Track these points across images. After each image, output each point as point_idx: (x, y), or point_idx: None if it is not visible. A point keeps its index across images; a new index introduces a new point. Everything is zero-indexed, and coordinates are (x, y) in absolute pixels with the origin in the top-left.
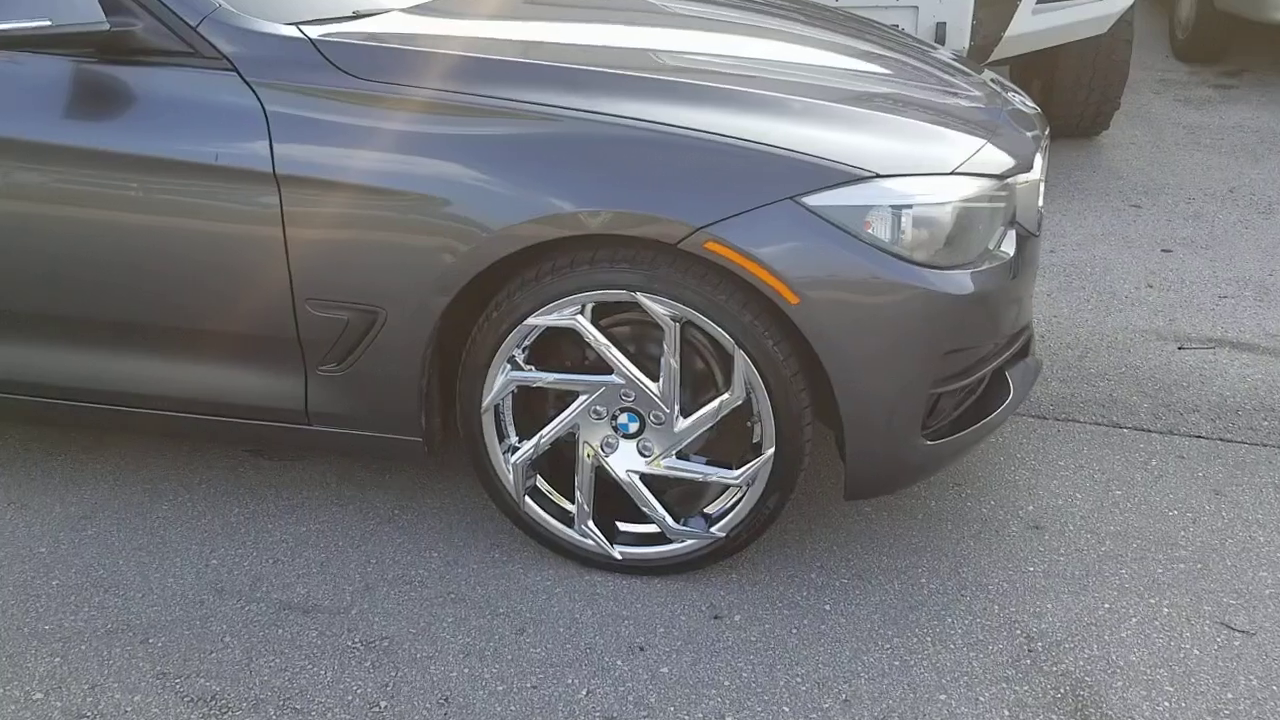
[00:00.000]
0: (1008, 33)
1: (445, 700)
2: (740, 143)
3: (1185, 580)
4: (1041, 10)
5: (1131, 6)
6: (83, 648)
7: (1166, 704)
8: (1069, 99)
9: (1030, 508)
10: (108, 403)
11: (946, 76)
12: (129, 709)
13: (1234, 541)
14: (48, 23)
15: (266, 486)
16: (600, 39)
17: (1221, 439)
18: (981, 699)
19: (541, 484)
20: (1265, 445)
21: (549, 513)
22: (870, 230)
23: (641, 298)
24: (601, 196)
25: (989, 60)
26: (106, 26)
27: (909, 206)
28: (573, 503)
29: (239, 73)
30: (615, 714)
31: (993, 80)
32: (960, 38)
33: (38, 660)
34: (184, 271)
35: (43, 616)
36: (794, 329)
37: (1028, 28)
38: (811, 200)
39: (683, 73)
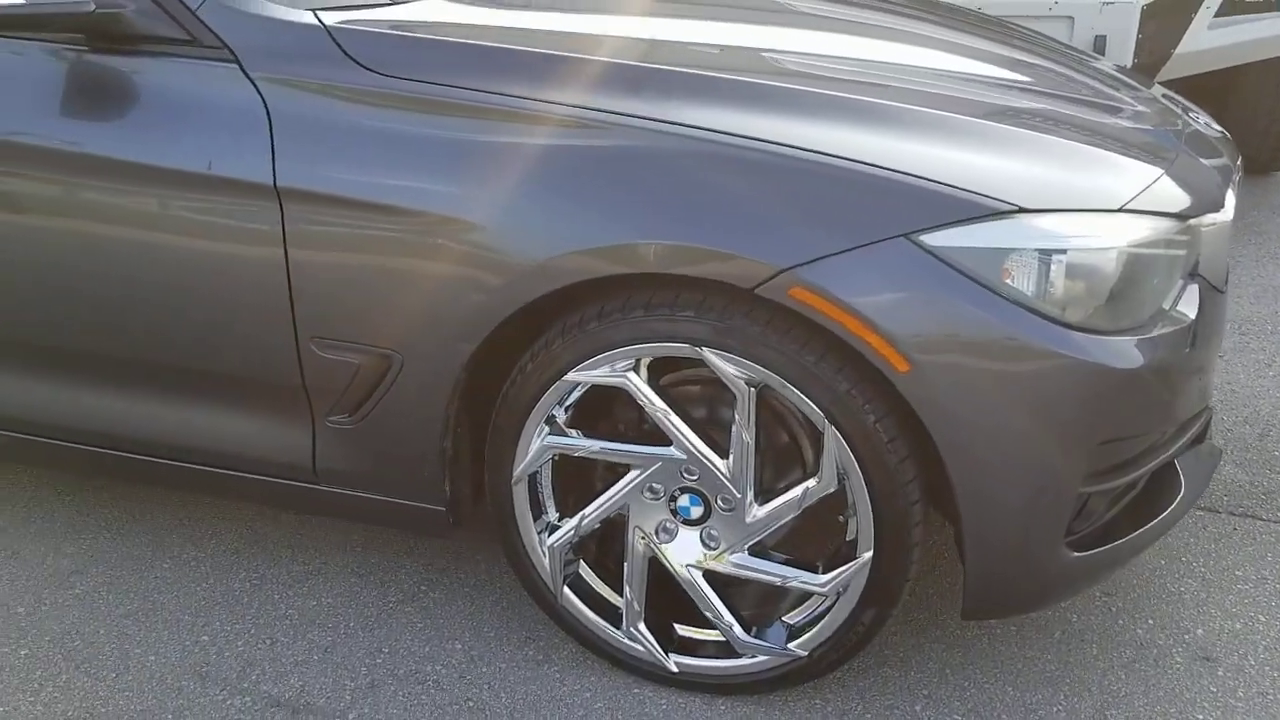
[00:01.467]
0: (1179, 49)
1: None
2: (840, 162)
3: None
4: (1220, 24)
5: None
6: None
7: None
8: (1246, 128)
9: (1199, 631)
10: (94, 444)
11: (1110, 90)
12: None
13: None
14: (22, 1)
15: (283, 547)
16: (690, 34)
17: None
18: None
19: (585, 570)
20: None
21: (592, 607)
22: (1009, 280)
23: (708, 354)
24: (661, 225)
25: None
26: (91, 7)
27: (1062, 251)
28: (621, 596)
29: (241, 65)
30: None
31: (1165, 96)
32: (1123, 53)
33: None
34: (172, 299)
35: None
36: (903, 403)
37: (1204, 44)
38: (932, 239)
39: (780, 76)
